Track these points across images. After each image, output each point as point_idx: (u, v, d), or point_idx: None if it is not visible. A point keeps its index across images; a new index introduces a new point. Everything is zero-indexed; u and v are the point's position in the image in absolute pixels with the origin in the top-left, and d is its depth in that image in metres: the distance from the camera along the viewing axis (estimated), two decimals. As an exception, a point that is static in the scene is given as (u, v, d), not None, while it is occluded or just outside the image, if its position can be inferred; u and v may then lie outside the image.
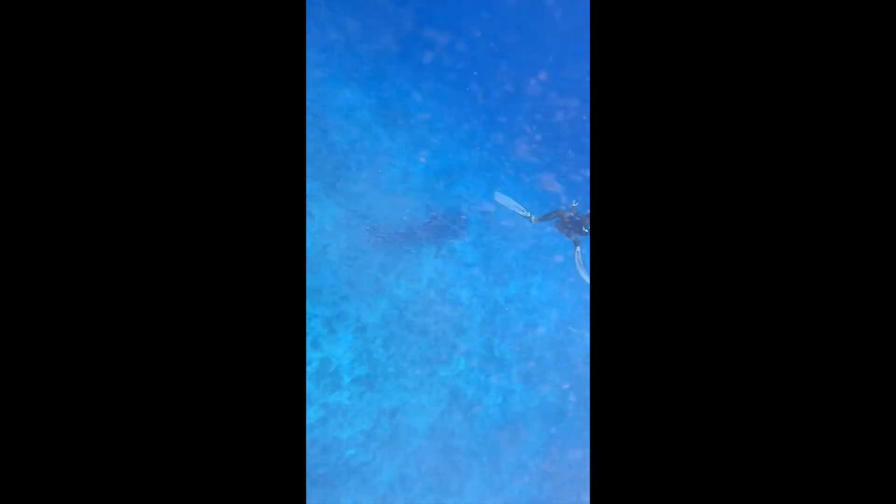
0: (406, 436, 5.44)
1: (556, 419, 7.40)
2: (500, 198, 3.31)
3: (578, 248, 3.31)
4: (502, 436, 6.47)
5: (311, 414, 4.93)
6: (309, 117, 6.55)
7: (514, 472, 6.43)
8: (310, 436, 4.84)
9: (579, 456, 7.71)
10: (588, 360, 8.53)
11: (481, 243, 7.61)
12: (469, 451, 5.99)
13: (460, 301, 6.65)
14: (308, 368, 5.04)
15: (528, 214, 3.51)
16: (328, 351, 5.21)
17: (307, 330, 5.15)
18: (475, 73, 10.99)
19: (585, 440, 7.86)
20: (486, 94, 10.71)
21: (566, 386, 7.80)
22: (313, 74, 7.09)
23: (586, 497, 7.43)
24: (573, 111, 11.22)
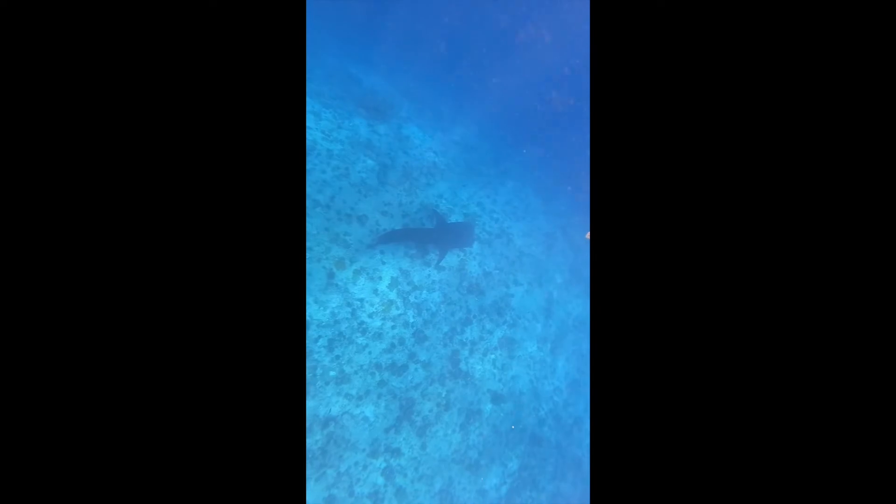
0: (341, 451, 4.81)
1: (529, 448, 6.61)
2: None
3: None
4: (462, 461, 5.74)
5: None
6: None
7: (471, 505, 5.66)
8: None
9: (556, 493, 6.85)
10: (573, 382, 7.72)
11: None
12: (418, 475, 5.28)
13: (427, 306, 6.05)
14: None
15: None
16: (259, 345, 4.68)
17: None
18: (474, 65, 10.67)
19: (563, 475, 7.00)
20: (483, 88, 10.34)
21: (544, 411, 7.01)
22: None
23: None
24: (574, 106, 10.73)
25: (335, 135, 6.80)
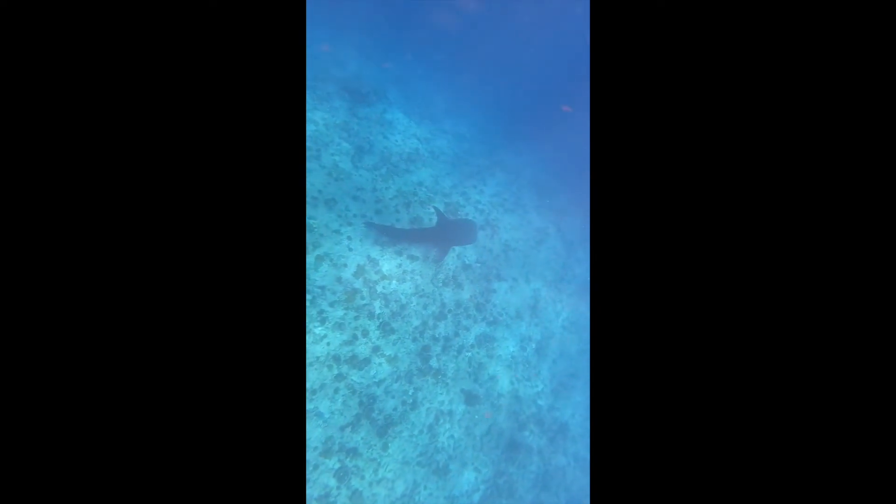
0: (288, 448, 4.43)
1: (507, 454, 6.16)
2: None
3: None
4: (429, 465, 5.32)
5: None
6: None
7: (437, 513, 5.23)
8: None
9: (535, 503, 6.38)
10: (560, 385, 7.24)
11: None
12: (377, 478, 4.88)
13: (396, 297, 5.67)
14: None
15: None
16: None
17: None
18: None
19: (545, 484, 6.53)
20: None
21: (525, 416, 6.55)
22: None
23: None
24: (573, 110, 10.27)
25: (309, 115, 6.48)
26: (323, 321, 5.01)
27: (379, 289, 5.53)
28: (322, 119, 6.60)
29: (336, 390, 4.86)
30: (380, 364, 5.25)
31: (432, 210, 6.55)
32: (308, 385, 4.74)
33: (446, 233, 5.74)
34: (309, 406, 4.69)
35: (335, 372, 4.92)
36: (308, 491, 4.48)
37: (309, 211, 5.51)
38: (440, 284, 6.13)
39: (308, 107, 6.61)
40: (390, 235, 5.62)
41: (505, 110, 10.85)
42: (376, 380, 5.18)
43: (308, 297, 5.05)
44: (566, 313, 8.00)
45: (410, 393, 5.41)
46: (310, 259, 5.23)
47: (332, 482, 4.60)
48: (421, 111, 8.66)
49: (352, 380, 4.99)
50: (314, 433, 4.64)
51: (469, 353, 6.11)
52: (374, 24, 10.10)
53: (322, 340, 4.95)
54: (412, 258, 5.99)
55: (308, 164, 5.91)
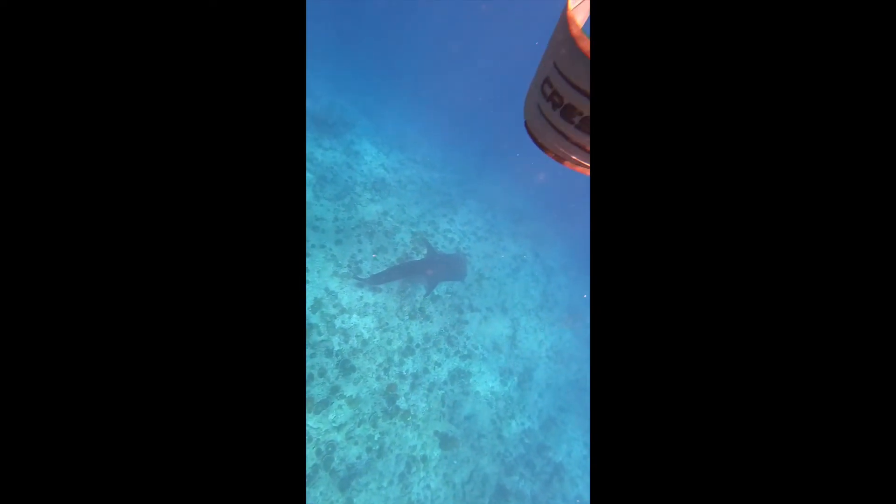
0: (227, 512, 3.85)
1: (494, 503, 5.52)
2: None
3: None
4: (400, 523, 4.70)
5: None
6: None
7: (410, 581, 4.56)
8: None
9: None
10: (549, 421, 6.68)
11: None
12: (336, 542, 4.26)
13: (357, 332, 5.26)
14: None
15: None
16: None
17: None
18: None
19: (536, 538, 5.82)
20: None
21: (512, 457, 5.96)
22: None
23: None
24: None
25: (269, 149, 6.34)
26: (273, 362, 4.58)
27: (338, 323, 5.13)
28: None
29: (287, 440, 4.34)
30: (340, 406, 4.75)
31: (409, 242, 6.28)
32: (254, 435, 4.23)
33: (435, 267, 5.45)
34: (255, 460, 4.16)
35: (287, 418, 4.42)
36: (252, 563, 3.86)
37: (263, 244, 5.21)
38: (406, 317, 5.74)
39: (268, 141, 6.49)
40: (376, 281, 5.34)
41: (480, 135, 10.91)
42: (336, 424, 4.66)
43: (258, 335, 4.64)
44: (550, 342, 7.57)
45: (376, 438, 4.87)
46: (261, 294, 4.87)
47: (281, 550, 3.98)
48: (391, 141, 8.61)
49: (307, 425, 4.48)
50: (260, 492, 4.08)
51: (442, 391, 5.62)
52: (346, 55, 10.28)
53: (272, 383, 4.49)
54: (375, 290, 5.63)
55: (264, 197, 5.68)
